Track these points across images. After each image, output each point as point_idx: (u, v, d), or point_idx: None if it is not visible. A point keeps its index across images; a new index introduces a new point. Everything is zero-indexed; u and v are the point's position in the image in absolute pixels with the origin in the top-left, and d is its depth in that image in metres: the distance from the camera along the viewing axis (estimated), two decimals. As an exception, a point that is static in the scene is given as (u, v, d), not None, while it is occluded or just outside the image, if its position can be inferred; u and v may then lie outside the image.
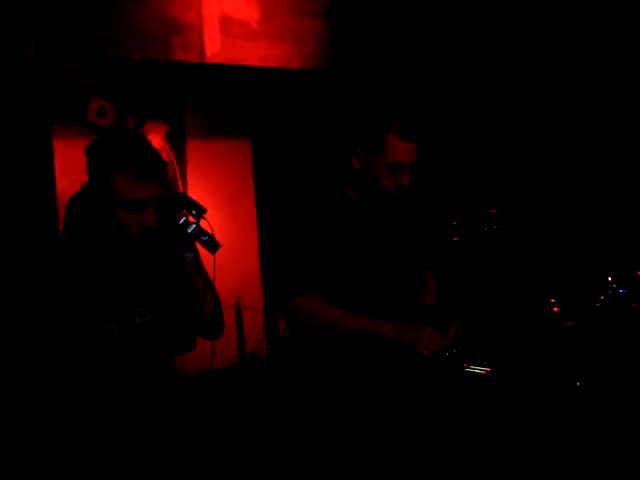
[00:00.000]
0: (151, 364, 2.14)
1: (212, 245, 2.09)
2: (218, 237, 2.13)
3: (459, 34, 4.66)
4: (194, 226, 2.08)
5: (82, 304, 1.99)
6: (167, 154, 4.08)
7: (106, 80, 4.13)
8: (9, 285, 2.31)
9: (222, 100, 4.66)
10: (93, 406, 2.02)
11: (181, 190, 4.20)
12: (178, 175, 4.24)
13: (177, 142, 4.36)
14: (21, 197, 3.07)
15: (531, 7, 4.56)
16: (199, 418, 2.33)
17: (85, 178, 3.80)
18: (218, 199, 4.38)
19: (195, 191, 4.31)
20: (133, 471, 2.05)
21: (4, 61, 3.08)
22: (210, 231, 2.11)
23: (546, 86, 4.47)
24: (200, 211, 2.11)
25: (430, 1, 4.64)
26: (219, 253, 2.11)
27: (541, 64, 4.50)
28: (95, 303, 2.01)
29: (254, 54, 4.05)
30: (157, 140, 4.03)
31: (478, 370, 2.94)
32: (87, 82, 4.11)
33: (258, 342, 4.86)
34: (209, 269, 2.18)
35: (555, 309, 3.25)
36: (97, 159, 1.97)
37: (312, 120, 4.71)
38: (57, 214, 3.23)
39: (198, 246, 2.13)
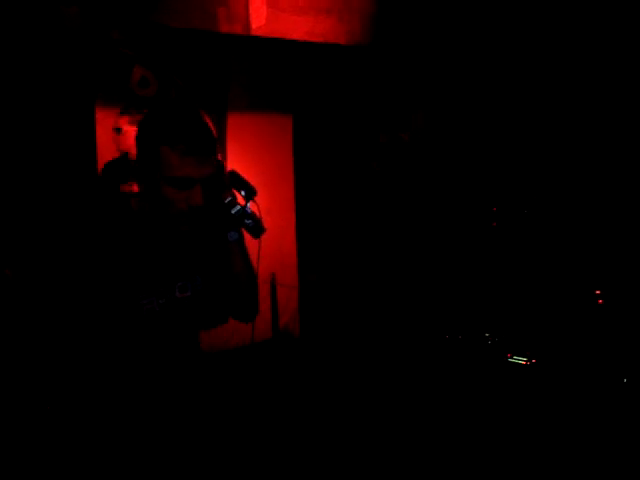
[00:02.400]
0: (180, 337, 2.10)
1: (255, 229, 2.03)
2: (255, 211, 2.07)
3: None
4: (238, 208, 2.02)
5: (121, 275, 1.95)
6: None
7: (149, 50, 4.09)
8: (49, 251, 2.29)
9: (265, 74, 4.59)
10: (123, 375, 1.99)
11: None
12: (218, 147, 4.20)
13: (218, 115, 4.33)
14: (64, 164, 3.05)
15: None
16: (226, 392, 2.29)
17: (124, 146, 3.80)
18: (256, 174, 4.33)
19: (234, 164, 4.27)
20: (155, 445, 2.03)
21: (50, 24, 3.04)
22: (258, 214, 2.05)
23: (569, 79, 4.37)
24: (250, 193, 2.05)
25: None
26: (256, 229, 2.06)
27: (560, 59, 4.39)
28: (135, 275, 1.97)
29: (300, 28, 3.98)
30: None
31: (521, 361, 2.87)
32: (130, 51, 4.08)
33: (291, 319, 4.84)
34: (253, 251, 2.12)
35: (600, 301, 3.16)
36: (147, 132, 1.91)
37: (353, 97, 4.63)
38: (97, 182, 3.22)
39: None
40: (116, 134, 3.46)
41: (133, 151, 2.11)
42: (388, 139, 2.51)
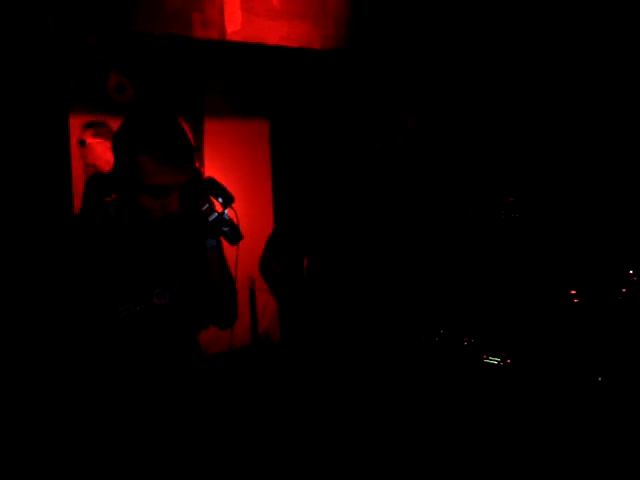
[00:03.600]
0: (173, 342, 2.11)
1: (233, 237, 2.04)
2: (233, 217, 2.08)
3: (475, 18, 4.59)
4: (216, 215, 2.03)
5: (98, 282, 1.95)
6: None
7: (125, 56, 4.09)
8: (24, 261, 2.29)
9: (241, 79, 4.60)
10: (107, 384, 2.00)
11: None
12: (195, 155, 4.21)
13: (195, 121, 4.33)
14: (36, 173, 3.04)
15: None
16: (213, 397, 2.29)
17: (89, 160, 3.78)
18: (234, 179, 4.34)
19: (211, 170, 4.27)
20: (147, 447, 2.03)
21: (24, 33, 3.03)
22: (235, 221, 2.06)
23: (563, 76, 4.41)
24: (228, 199, 2.05)
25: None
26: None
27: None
28: (112, 282, 1.97)
29: (275, 33, 3.99)
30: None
31: (496, 361, 2.90)
32: (105, 57, 4.07)
33: (270, 324, 4.84)
34: (232, 257, 2.14)
35: (575, 300, 3.20)
36: (124, 139, 1.91)
37: (329, 101, 4.65)
38: (71, 191, 3.21)
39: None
40: (80, 146, 3.45)
41: (99, 163, 2.12)
42: (364, 146, 2.53)
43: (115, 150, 1.94)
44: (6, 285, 2.30)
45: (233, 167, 4.47)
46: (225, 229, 2.03)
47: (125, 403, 2.01)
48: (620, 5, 4.05)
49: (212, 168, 4.30)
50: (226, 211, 2.05)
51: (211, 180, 2.08)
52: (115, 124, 3.97)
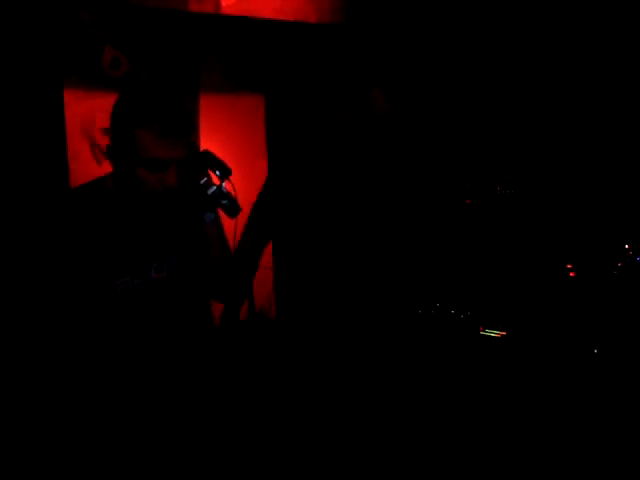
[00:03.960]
0: (174, 316, 2.11)
1: (231, 209, 2.04)
2: (230, 190, 2.07)
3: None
4: (214, 188, 2.03)
5: (96, 256, 1.95)
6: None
7: (119, 31, 4.06)
8: (20, 235, 2.28)
9: (236, 54, 4.57)
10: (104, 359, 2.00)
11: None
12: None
13: (190, 95, 4.30)
14: (32, 148, 3.02)
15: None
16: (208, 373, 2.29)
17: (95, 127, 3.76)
18: (230, 153, 4.31)
19: (207, 145, 4.25)
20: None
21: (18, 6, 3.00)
22: (233, 194, 2.06)
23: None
24: (225, 172, 2.05)
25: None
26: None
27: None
28: (110, 255, 1.97)
29: (269, 6, 3.96)
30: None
31: (494, 334, 2.92)
32: (100, 32, 4.04)
33: (267, 300, 4.84)
34: (230, 231, 2.14)
35: (571, 274, 3.21)
36: (122, 112, 1.91)
37: (324, 75, 4.62)
38: (67, 164, 3.19)
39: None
40: None
41: None
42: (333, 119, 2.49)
43: (113, 123, 1.93)
44: (3, 260, 2.30)
45: (230, 141, 4.44)
46: (224, 202, 2.04)
47: (124, 381, 2.01)
48: (620, 5, 4.03)
49: (208, 142, 4.27)
50: (224, 184, 2.05)
51: (208, 153, 2.08)
52: (109, 99, 3.95)
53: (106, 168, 3.53)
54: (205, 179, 2.02)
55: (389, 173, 2.69)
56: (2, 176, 2.93)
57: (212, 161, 2.06)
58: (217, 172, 2.04)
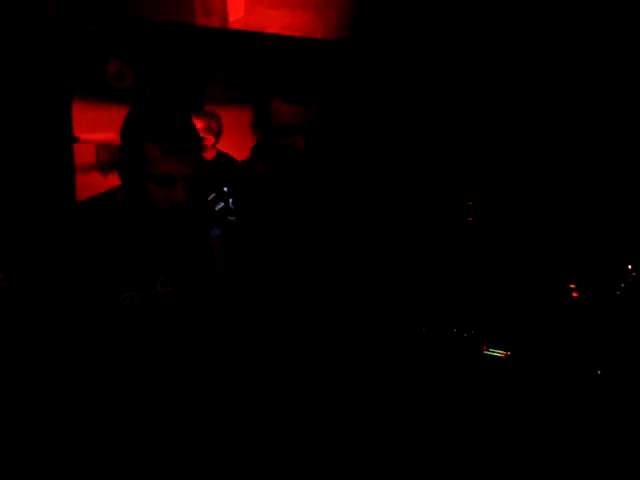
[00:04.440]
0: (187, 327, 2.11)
1: (238, 225, 2.05)
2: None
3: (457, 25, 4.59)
4: (222, 204, 2.04)
5: (102, 269, 1.95)
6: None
7: (125, 43, 4.08)
8: (27, 247, 2.28)
9: (242, 67, 4.59)
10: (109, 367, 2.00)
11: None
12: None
13: (195, 108, 4.31)
14: (40, 159, 3.03)
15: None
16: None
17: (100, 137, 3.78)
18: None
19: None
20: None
21: (28, 18, 3.02)
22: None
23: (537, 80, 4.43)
24: (233, 189, 2.06)
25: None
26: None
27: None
28: (116, 269, 1.97)
29: (277, 22, 3.98)
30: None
31: (497, 353, 2.91)
32: (105, 44, 4.06)
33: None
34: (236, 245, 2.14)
35: (574, 294, 3.21)
36: (132, 127, 1.91)
37: (335, 90, 4.64)
38: (74, 177, 3.20)
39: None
40: None
41: None
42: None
43: (122, 138, 1.94)
44: (11, 271, 2.29)
45: (233, 154, 4.46)
46: (231, 218, 2.04)
47: (130, 393, 2.01)
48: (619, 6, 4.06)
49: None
50: (231, 200, 2.06)
51: (216, 169, 2.09)
52: (113, 111, 3.96)
53: (111, 180, 3.56)
54: (213, 195, 2.03)
55: (395, 190, 2.68)
56: (9, 186, 2.93)
57: (220, 177, 2.07)
58: (225, 189, 2.05)
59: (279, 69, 2.54)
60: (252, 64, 4.60)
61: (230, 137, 4.51)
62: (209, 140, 3.95)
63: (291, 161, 2.29)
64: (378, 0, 4.39)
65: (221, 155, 4.06)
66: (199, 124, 3.60)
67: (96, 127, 3.89)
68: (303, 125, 2.27)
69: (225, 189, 2.04)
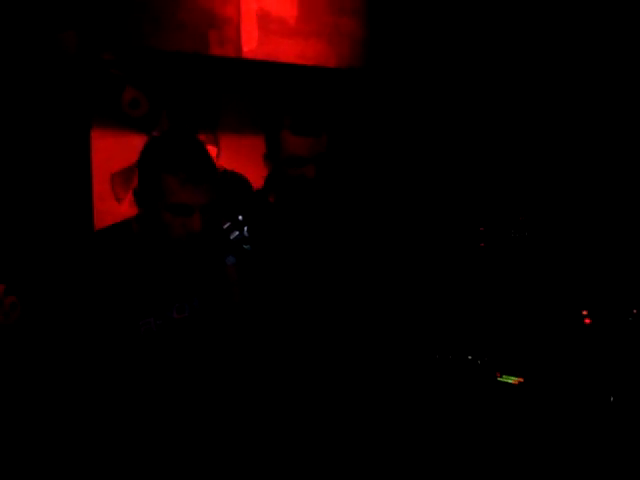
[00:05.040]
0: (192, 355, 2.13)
1: (252, 253, 2.08)
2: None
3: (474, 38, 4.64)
4: (237, 233, 2.07)
5: (119, 297, 1.98)
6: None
7: (141, 72, 4.14)
8: (46, 275, 2.31)
9: (256, 95, 4.65)
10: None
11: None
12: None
13: (209, 136, 4.37)
14: (60, 188, 3.09)
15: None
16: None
17: (118, 165, 3.83)
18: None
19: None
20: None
21: (46, 49, 3.09)
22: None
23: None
24: (248, 217, 2.10)
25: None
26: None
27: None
28: (133, 297, 2.00)
29: (291, 51, 4.05)
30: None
31: (511, 380, 2.92)
32: (121, 72, 4.12)
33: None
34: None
35: (587, 321, 3.22)
36: (149, 158, 1.95)
37: (346, 118, 4.69)
38: (92, 205, 3.24)
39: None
40: None
41: None
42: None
43: (140, 168, 1.98)
44: (29, 299, 2.33)
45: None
46: (245, 246, 2.07)
47: (147, 419, 2.03)
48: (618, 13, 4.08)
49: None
50: (246, 229, 2.09)
51: (232, 197, 2.13)
52: (128, 138, 4.02)
53: (125, 206, 3.60)
54: (228, 224, 2.07)
55: (407, 219, 2.71)
56: (28, 214, 2.98)
57: (236, 205, 2.11)
58: (240, 217, 2.08)
59: (289, 99, 2.56)
60: (266, 93, 4.66)
61: (244, 165, 4.56)
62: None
63: (301, 191, 2.31)
64: (390, 30, 4.45)
65: (226, 173, 4.11)
66: None
67: (113, 154, 3.95)
68: (313, 156, 2.30)
69: (240, 217, 2.08)
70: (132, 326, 2.00)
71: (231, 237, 2.06)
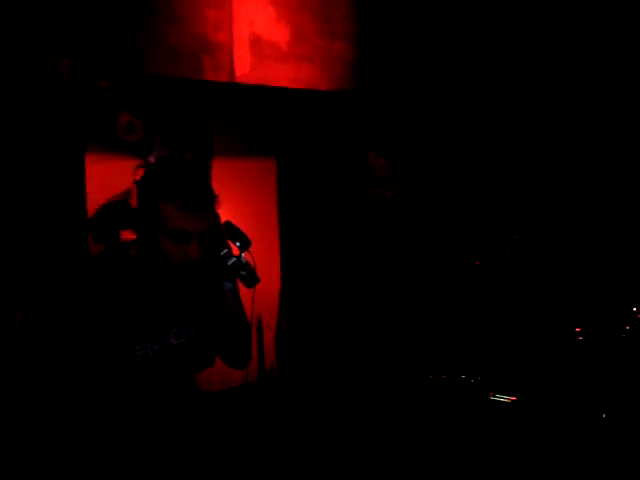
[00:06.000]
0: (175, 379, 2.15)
1: (250, 280, 2.10)
2: (249, 261, 2.14)
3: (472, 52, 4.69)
4: (234, 259, 2.09)
5: (116, 321, 2.00)
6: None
7: (135, 97, 4.18)
8: (40, 299, 2.33)
9: (249, 119, 4.70)
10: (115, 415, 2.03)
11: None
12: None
13: (203, 160, 4.40)
14: (54, 211, 3.11)
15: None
16: (214, 432, 2.32)
17: (112, 190, 3.86)
18: (241, 218, 4.39)
19: (219, 208, 4.32)
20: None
21: (42, 77, 3.13)
22: (252, 264, 2.12)
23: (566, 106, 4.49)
24: (245, 244, 2.12)
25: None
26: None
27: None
28: (130, 321, 2.02)
29: (283, 75, 4.09)
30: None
31: (503, 399, 2.94)
32: (116, 97, 4.16)
33: (275, 361, 4.85)
34: (249, 300, 2.20)
35: (580, 338, 3.24)
36: (148, 185, 1.98)
37: (334, 141, 4.74)
38: (87, 229, 3.27)
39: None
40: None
41: None
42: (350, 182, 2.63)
43: (139, 195, 2.00)
44: (25, 324, 2.35)
45: (241, 206, 4.53)
46: (242, 273, 2.09)
47: (143, 445, 2.04)
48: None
49: (220, 206, 4.35)
50: (243, 255, 2.11)
51: (229, 225, 2.15)
52: (124, 163, 4.05)
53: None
54: (225, 251, 2.09)
55: (398, 237, 2.75)
56: (24, 239, 3.00)
57: (233, 232, 2.13)
58: (237, 243, 2.11)
59: (378, 126, 2.76)
60: (259, 115, 4.71)
61: (238, 185, 4.59)
62: None
63: (381, 210, 2.60)
64: (381, 53, 4.51)
65: None
66: None
67: (107, 179, 3.97)
68: (391, 176, 2.53)
69: (238, 244, 2.11)
70: (129, 350, 2.02)
71: (228, 263, 2.08)
